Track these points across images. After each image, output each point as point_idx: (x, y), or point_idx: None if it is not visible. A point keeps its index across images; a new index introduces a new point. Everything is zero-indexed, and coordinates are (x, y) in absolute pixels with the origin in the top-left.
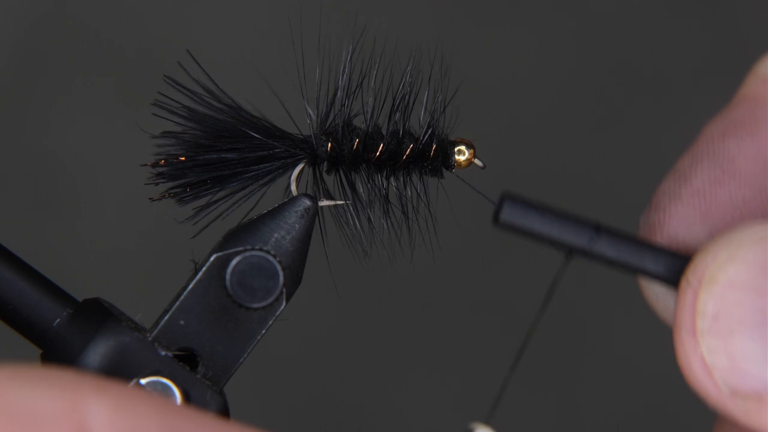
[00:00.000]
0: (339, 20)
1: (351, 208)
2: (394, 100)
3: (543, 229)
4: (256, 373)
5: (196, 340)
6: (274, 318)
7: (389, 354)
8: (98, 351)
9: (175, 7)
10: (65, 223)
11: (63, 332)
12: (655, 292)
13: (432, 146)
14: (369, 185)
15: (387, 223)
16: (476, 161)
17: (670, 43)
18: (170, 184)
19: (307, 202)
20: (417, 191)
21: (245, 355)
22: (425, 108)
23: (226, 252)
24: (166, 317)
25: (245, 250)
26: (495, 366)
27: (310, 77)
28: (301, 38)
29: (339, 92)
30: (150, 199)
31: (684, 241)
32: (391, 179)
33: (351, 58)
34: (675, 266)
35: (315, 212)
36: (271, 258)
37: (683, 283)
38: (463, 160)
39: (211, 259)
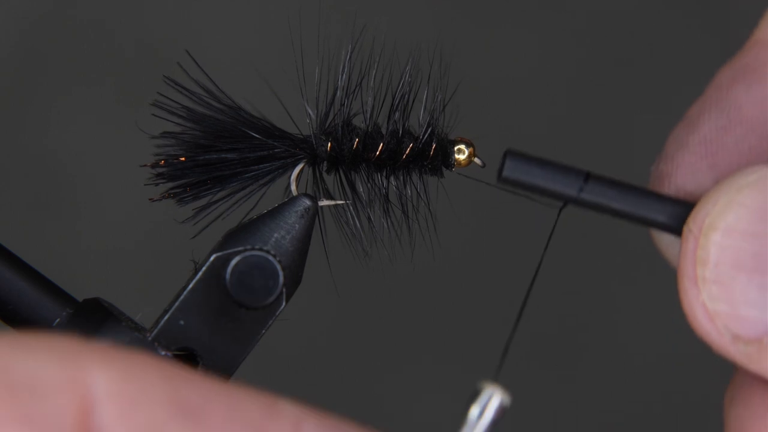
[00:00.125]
0: (338, 20)
1: (351, 208)
2: (393, 99)
3: (546, 179)
4: (256, 373)
5: (196, 340)
6: (274, 318)
7: (389, 354)
8: None
9: (175, 7)
10: (65, 223)
11: (63, 332)
12: (666, 242)
13: (432, 145)
14: (369, 185)
15: (387, 223)
16: (476, 160)
17: (670, 43)
18: (170, 185)
19: (307, 202)
20: (417, 190)
21: (245, 355)
22: (425, 107)
23: (226, 252)
24: (166, 317)
25: (245, 250)
26: (512, 351)
27: (309, 77)
28: (300, 38)
29: (338, 92)
30: (150, 199)
31: (691, 190)
32: (391, 179)
33: (350, 57)
34: (679, 214)
35: (315, 212)
36: (271, 258)
37: (685, 231)
38: (463, 159)
39: (211, 258)
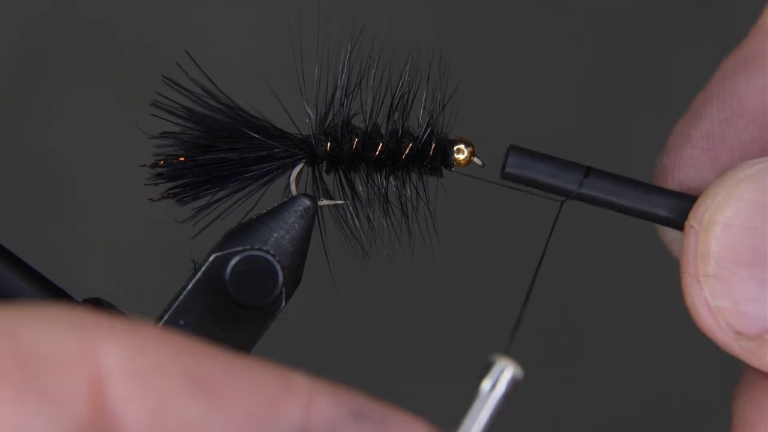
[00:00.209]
0: (338, 20)
1: (350, 208)
2: (393, 99)
3: (547, 174)
4: None
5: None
6: (273, 318)
7: (389, 354)
8: None
9: (175, 7)
10: (65, 223)
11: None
12: (670, 236)
13: (431, 145)
14: (368, 185)
15: (387, 223)
16: (475, 160)
17: (670, 42)
18: (170, 185)
19: (307, 202)
20: (416, 190)
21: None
22: (424, 107)
23: (225, 252)
24: (166, 317)
25: (245, 250)
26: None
27: (309, 77)
28: (300, 38)
29: (338, 92)
30: (150, 199)
31: (694, 184)
32: (391, 178)
33: (350, 57)
34: (681, 209)
35: (314, 212)
36: (270, 258)
37: (687, 227)
38: (463, 159)
39: (211, 258)
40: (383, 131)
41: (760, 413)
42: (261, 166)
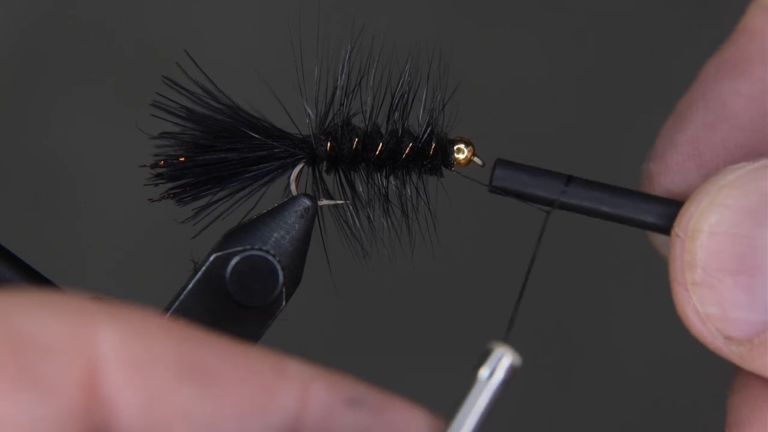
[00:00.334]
0: (338, 20)
1: (351, 208)
2: (393, 99)
3: (529, 185)
4: None
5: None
6: (273, 317)
7: (389, 354)
8: None
9: (175, 7)
10: (65, 223)
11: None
12: (660, 241)
13: (431, 145)
14: (368, 185)
15: (387, 223)
16: (475, 159)
17: (670, 42)
18: (170, 185)
19: (307, 202)
20: (417, 190)
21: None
22: (424, 107)
23: (225, 252)
24: (166, 317)
25: (245, 250)
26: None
27: (308, 77)
28: (299, 38)
29: (338, 92)
30: (149, 200)
31: (680, 190)
32: (391, 178)
33: (350, 57)
34: (668, 214)
35: (315, 212)
36: (270, 258)
37: (673, 235)
38: (463, 159)
39: (211, 258)
40: (383, 131)
41: (753, 413)
42: (261, 166)
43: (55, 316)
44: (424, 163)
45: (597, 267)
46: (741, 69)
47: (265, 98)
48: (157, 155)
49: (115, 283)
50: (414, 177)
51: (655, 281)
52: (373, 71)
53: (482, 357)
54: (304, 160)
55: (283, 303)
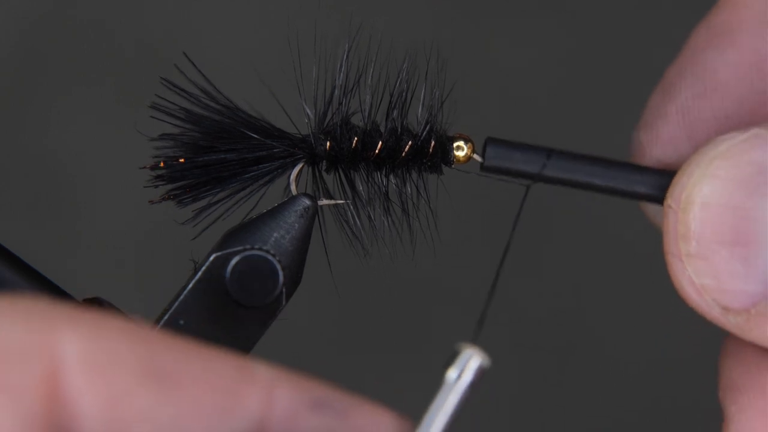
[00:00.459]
0: (336, 19)
1: (351, 207)
2: (391, 97)
3: (526, 161)
4: None
5: (196, 340)
6: (274, 317)
7: (390, 354)
8: None
9: (175, 7)
10: (65, 223)
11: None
12: (654, 211)
13: (431, 142)
14: (368, 183)
15: (387, 221)
16: (475, 156)
17: (671, 42)
18: (170, 186)
19: (307, 202)
20: (417, 188)
21: (245, 355)
22: (423, 104)
23: (225, 251)
24: (166, 317)
25: (245, 250)
26: (497, 365)
27: (307, 76)
28: (298, 38)
29: (336, 91)
30: (150, 201)
31: (671, 161)
32: (391, 177)
33: (348, 56)
34: (660, 184)
35: (315, 211)
36: (270, 257)
37: (666, 207)
38: (462, 156)
39: (211, 258)
40: (382, 129)
41: (748, 380)
42: (261, 166)
43: (15, 321)
44: (424, 160)
45: (596, 266)
46: (729, 38)
47: (264, 98)
48: (156, 157)
49: (115, 283)
50: (414, 175)
51: (655, 280)
52: (372, 70)
53: (451, 357)
54: (304, 160)
55: (283, 303)
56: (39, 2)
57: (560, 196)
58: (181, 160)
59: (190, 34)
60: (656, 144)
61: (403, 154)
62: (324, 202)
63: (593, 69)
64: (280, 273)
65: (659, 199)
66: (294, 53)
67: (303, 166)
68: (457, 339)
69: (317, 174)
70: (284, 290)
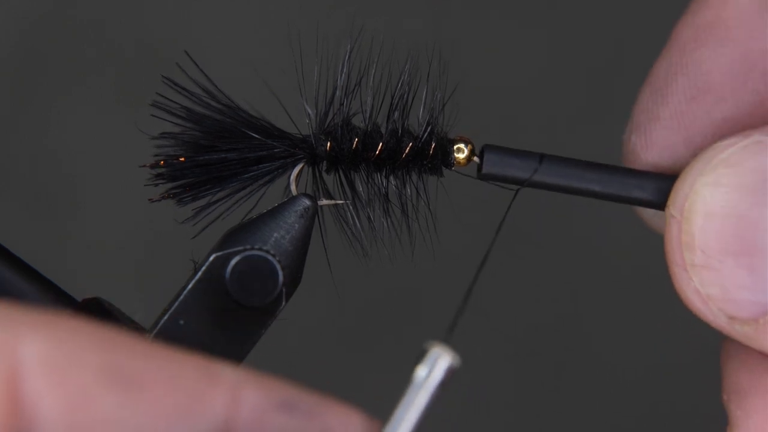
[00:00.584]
0: (337, 20)
1: (351, 208)
2: (392, 98)
3: (524, 168)
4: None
5: (196, 340)
6: (273, 317)
7: (390, 353)
8: None
9: (175, 7)
10: (65, 223)
11: None
12: (649, 213)
13: (431, 144)
14: (368, 184)
15: (387, 222)
16: (475, 159)
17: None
18: (170, 185)
19: (307, 202)
20: (417, 190)
21: (245, 355)
22: (424, 106)
23: (225, 251)
24: (166, 317)
25: (245, 250)
26: (497, 365)
27: (308, 77)
28: (299, 38)
29: (338, 91)
30: (150, 200)
31: (668, 165)
32: (391, 178)
33: (349, 56)
34: (659, 189)
35: (315, 212)
36: (270, 257)
37: (667, 215)
38: (462, 158)
39: (211, 258)
40: (383, 130)
41: (753, 383)
42: (261, 166)
43: None
44: (424, 162)
45: (593, 271)
46: (719, 36)
47: (265, 98)
48: (157, 155)
49: (115, 283)
50: (414, 177)
51: (653, 285)
52: (373, 71)
53: (420, 356)
54: (304, 160)
55: (283, 303)
56: (39, 2)
57: (558, 203)
58: (182, 159)
59: (190, 34)
60: (651, 149)
61: (404, 155)
62: (324, 202)
63: (597, 70)
64: (280, 273)
65: (657, 204)
66: (295, 53)
67: (303, 167)
68: (457, 339)
69: (317, 174)
70: (284, 290)
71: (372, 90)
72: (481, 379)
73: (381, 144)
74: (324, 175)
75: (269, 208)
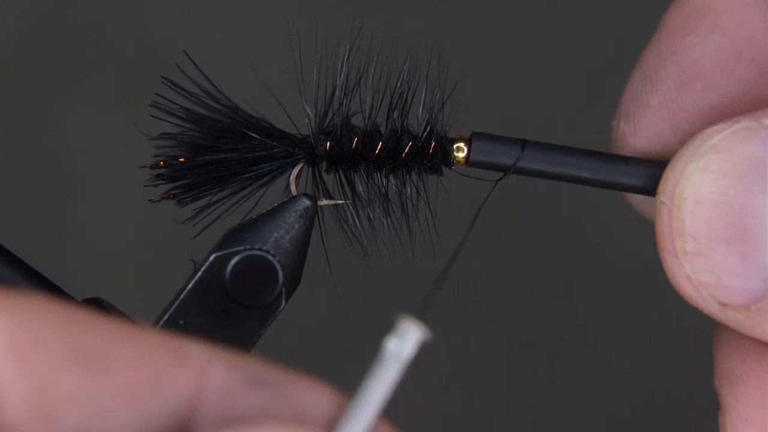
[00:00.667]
0: (337, 19)
1: (351, 207)
2: (392, 97)
3: (512, 155)
4: None
5: (196, 340)
6: (273, 317)
7: None
8: None
9: (175, 7)
10: (65, 223)
11: None
12: (637, 199)
13: (431, 143)
14: (368, 184)
15: (387, 222)
16: (463, 146)
17: None
18: (170, 186)
19: (307, 202)
20: (416, 189)
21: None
22: (423, 105)
23: (225, 251)
24: (166, 317)
25: (245, 250)
26: (491, 355)
27: (308, 76)
28: (299, 38)
29: (337, 91)
30: (149, 200)
31: (657, 152)
32: (391, 177)
33: (349, 56)
34: (649, 175)
35: (314, 212)
36: (270, 257)
37: (658, 203)
38: (462, 157)
39: (211, 258)
40: (383, 130)
41: (745, 370)
42: (261, 166)
43: None
44: (424, 162)
45: (587, 262)
46: (708, 23)
47: (265, 98)
48: (156, 156)
49: (115, 283)
50: (414, 176)
51: (647, 276)
52: (373, 70)
53: (390, 330)
54: (304, 160)
55: (283, 303)
56: (39, 2)
57: (551, 194)
58: (181, 160)
59: (190, 34)
60: (640, 136)
61: (404, 155)
62: (324, 202)
63: (598, 69)
64: (280, 273)
65: (647, 190)
66: (295, 53)
67: (303, 167)
68: (457, 339)
69: (317, 174)
70: (284, 290)
71: (371, 89)
72: (474, 369)
73: (381, 143)
74: (324, 175)
75: (269, 208)
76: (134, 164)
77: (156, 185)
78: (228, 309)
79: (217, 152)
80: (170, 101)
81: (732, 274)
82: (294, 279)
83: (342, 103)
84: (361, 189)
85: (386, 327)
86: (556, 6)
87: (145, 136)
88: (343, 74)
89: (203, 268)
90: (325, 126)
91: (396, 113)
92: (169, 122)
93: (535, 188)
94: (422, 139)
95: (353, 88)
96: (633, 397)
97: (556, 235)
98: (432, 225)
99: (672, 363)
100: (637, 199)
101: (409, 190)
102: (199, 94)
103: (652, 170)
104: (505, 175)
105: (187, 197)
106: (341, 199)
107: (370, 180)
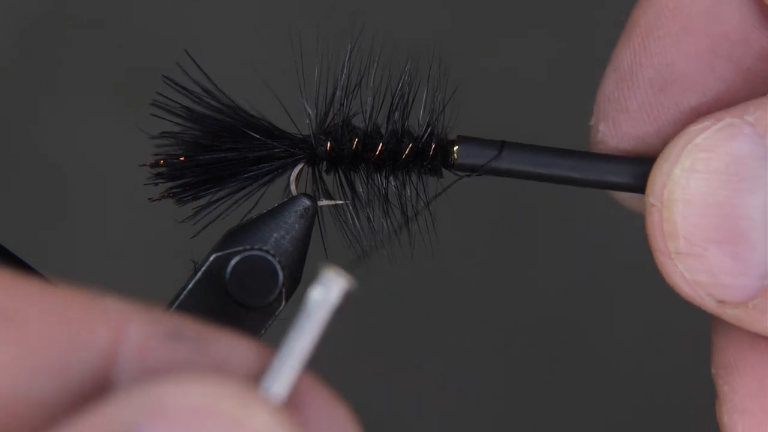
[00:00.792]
0: (338, 19)
1: (350, 208)
2: (393, 99)
3: (498, 158)
4: None
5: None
6: (273, 317)
7: (390, 353)
8: None
9: (175, 7)
10: (65, 223)
11: None
12: (624, 195)
13: (431, 145)
14: (368, 185)
15: (387, 223)
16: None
17: None
18: (170, 185)
19: (307, 202)
20: (416, 190)
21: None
22: (424, 107)
23: (225, 252)
24: None
25: (245, 250)
26: (493, 366)
27: (309, 77)
28: (300, 38)
29: (338, 91)
30: (149, 199)
31: (641, 152)
32: (391, 179)
33: (350, 57)
34: (635, 173)
35: (314, 212)
36: (270, 257)
37: (648, 204)
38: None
39: (211, 258)
40: (383, 131)
41: (743, 361)
42: (261, 166)
43: None
44: (424, 163)
45: (586, 264)
46: (682, 24)
47: (265, 98)
48: (157, 155)
49: (115, 283)
50: (414, 177)
51: (646, 277)
52: (374, 71)
53: (315, 280)
54: (304, 160)
55: (283, 303)
56: (39, 2)
57: (550, 198)
58: (182, 159)
59: (190, 34)
60: (622, 139)
61: (404, 156)
62: (324, 202)
63: (598, 72)
64: (280, 273)
65: (635, 187)
66: (295, 53)
67: (303, 167)
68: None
69: (317, 175)
70: (284, 290)
71: (372, 90)
72: (472, 371)
73: (381, 144)
74: (324, 175)
75: (269, 208)
76: (134, 164)
77: (156, 184)
78: (228, 309)
79: (218, 151)
80: (171, 100)
81: (728, 273)
82: (294, 279)
83: (343, 104)
84: (361, 190)
85: (386, 327)
86: (556, 6)
87: (145, 136)
88: (344, 74)
89: (203, 268)
90: (326, 126)
91: (397, 114)
92: (170, 121)
93: (532, 189)
94: (423, 140)
95: (354, 89)
96: (631, 397)
97: (553, 236)
98: (431, 226)
99: (671, 364)
100: (623, 195)
101: (408, 191)
102: (199, 93)
103: (638, 168)
104: (477, 174)
105: (187, 196)
106: (341, 200)
107: (370, 181)
